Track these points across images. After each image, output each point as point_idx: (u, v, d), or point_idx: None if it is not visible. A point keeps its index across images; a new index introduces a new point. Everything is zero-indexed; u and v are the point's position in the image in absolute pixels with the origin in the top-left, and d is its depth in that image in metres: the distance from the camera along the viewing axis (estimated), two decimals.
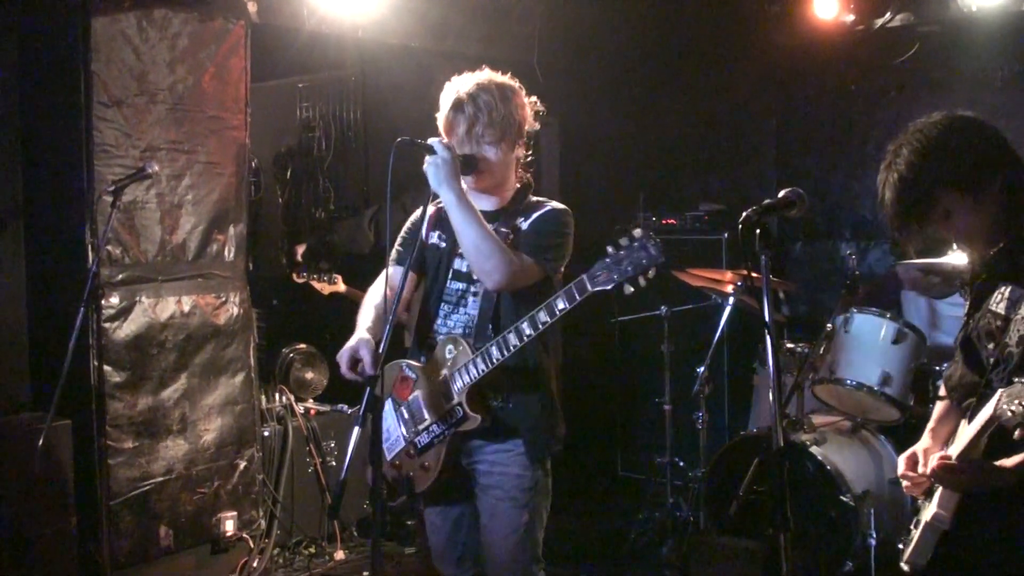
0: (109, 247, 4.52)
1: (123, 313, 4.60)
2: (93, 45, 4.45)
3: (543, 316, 2.90)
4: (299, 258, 6.64)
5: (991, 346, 2.61)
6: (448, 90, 3.19)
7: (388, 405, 3.26)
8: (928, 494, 2.76)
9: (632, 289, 2.78)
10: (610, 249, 2.79)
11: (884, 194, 2.65)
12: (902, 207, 2.60)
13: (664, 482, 5.53)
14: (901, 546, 2.84)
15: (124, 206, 4.48)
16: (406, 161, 3.05)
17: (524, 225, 3.17)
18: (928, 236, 2.69)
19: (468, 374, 3.04)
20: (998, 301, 2.61)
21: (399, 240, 3.40)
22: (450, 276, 3.23)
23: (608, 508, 6.36)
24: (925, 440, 2.87)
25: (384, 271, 3.21)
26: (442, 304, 3.23)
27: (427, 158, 3.03)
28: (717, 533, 4.89)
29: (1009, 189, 2.59)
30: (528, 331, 2.92)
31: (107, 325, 4.54)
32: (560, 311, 2.88)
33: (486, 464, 3.18)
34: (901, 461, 2.85)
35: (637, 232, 2.77)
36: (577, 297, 2.84)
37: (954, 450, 2.61)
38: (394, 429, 3.25)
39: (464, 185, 3.10)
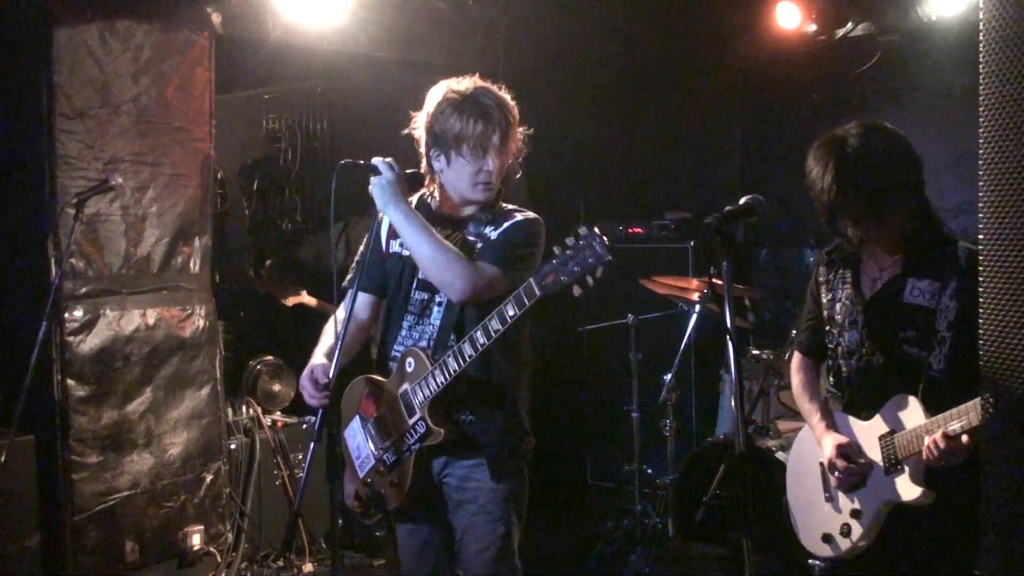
0: (72, 260, 4.48)
1: (87, 326, 4.56)
2: (55, 56, 4.41)
3: (495, 324, 2.79)
4: (264, 272, 6.62)
5: (912, 333, 2.78)
6: (463, 98, 3.05)
7: (356, 422, 3.19)
8: (856, 485, 2.87)
9: (581, 291, 2.61)
10: (556, 250, 2.64)
11: (840, 172, 2.79)
12: (862, 191, 2.74)
13: (633, 490, 5.55)
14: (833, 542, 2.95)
15: (87, 218, 4.45)
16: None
17: (493, 234, 3.08)
18: (842, 231, 2.86)
19: (428, 387, 2.95)
20: (915, 295, 2.80)
21: (354, 263, 3.31)
22: (415, 286, 3.14)
23: (577, 517, 6.37)
24: (830, 433, 2.97)
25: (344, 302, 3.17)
26: (406, 315, 3.14)
27: (372, 179, 2.97)
28: (685, 540, 4.91)
29: (922, 198, 2.83)
30: (482, 339, 2.82)
31: (71, 339, 4.49)
32: (511, 317, 2.75)
33: (456, 479, 3.11)
34: (835, 448, 2.90)
35: (582, 230, 2.61)
36: (526, 302, 2.72)
37: (932, 430, 2.66)
38: (363, 446, 3.17)
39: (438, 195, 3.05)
